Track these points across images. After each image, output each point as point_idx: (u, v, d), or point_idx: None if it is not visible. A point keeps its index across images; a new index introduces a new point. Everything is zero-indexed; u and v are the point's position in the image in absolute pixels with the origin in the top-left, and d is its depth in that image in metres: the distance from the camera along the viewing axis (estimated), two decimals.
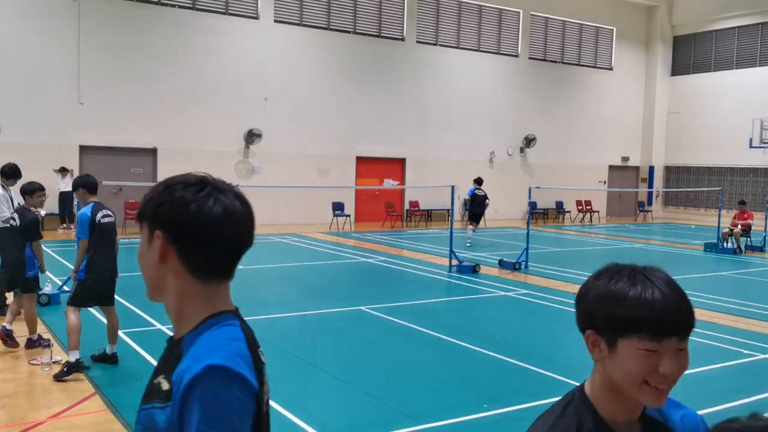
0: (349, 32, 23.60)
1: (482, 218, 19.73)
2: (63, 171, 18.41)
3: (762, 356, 7.78)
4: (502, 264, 14.06)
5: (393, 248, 17.32)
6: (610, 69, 30.09)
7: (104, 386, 6.15)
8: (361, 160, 23.99)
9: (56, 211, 18.32)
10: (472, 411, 5.82)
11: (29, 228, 7.45)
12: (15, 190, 9.23)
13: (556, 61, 28.50)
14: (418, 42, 24.94)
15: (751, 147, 26.93)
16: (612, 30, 29.94)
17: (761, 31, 27.78)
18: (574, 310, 1.51)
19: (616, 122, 30.12)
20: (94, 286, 6.76)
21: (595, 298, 1.41)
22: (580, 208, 28.19)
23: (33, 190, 7.83)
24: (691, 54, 30.38)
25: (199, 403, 1.30)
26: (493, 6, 26.56)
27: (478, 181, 18.86)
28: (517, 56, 27.33)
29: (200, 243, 1.42)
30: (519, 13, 27.23)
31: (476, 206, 18.55)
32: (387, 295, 10.91)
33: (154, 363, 6.51)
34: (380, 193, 24.48)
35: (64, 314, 6.70)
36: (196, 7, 20.83)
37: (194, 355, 1.36)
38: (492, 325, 9.30)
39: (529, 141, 27.40)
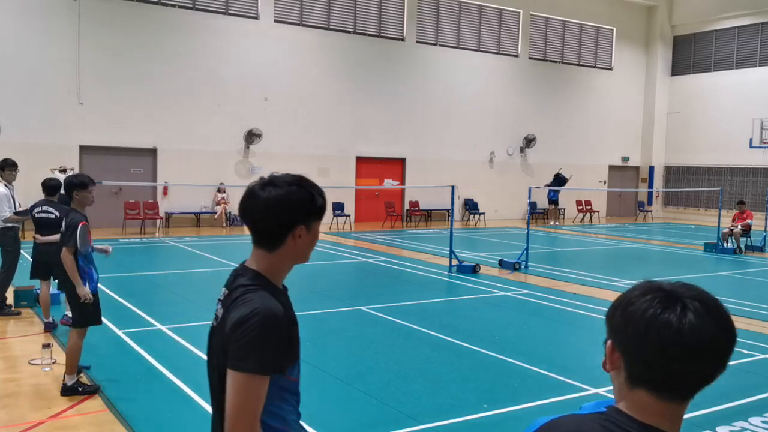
0: (349, 32, 23.60)
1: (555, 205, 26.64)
2: (63, 171, 18.39)
3: (762, 356, 7.78)
4: (502, 264, 14.06)
5: (393, 248, 17.31)
6: (610, 69, 30.09)
7: (104, 386, 6.14)
8: (361, 160, 23.99)
9: None
10: (472, 411, 5.82)
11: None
12: (17, 189, 9.24)
13: (556, 61, 28.50)
14: (418, 42, 24.94)
15: (751, 147, 26.93)
16: (612, 30, 29.94)
17: (761, 31, 27.78)
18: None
19: (616, 122, 30.12)
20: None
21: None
22: (580, 208, 28.19)
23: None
24: (691, 54, 30.37)
25: None
26: (493, 6, 26.56)
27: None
28: (517, 56, 27.33)
29: None
30: (519, 13, 27.23)
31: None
32: (387, 295, 10.91)
33: (155, 363, 6.52)
34: (380, 193, 24.48)
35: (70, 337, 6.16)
36: (196, 7, 20.83)
37: None
38: (492, 325, 9.30)
39: (529, 141, 27.40)
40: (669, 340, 1.25)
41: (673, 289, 1.32)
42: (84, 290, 5.94)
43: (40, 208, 8.35)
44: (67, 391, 5.96)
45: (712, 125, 28.87)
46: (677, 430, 1.33)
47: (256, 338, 1.93)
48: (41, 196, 8.28)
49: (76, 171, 18.77)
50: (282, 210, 2.04)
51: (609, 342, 1.36)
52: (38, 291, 9.38)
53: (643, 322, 1.28)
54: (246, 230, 15.54)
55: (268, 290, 2.06)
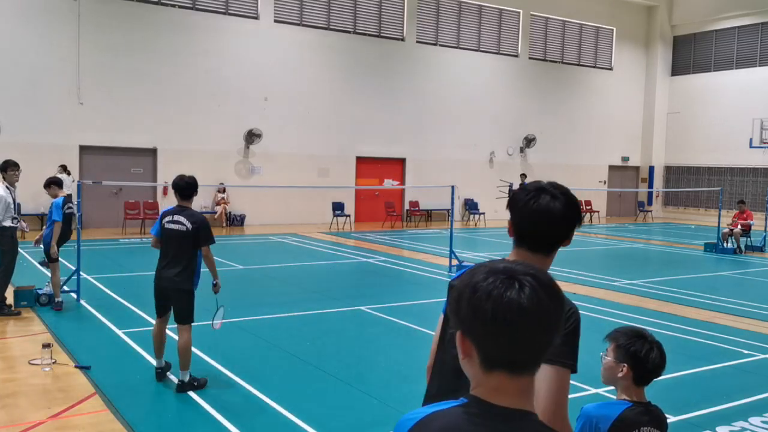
0: (349, 32, 23.59)
1: None
2: (64, 169, 18.37)
3: (762, 356, 7.77)
4: None
5: (393, 248, 17.31)
6: (610, 69, 30.09)
7: (104, 386, 6.14)
8: (361, 160, 23.99)
9: None
10: None
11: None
12: (17, 191, 9.23)
13: (556, 61, 28.49)
14: (418, 42, 24.93)
15: (751, 147, 26.93)
16: (612, 30, 29.93)
17: (761, 31, 27.78)
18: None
19: (616, 122, 30.12)
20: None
21: None
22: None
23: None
24: (691, 54, 30.38)
25: None
26: (493, 6, 26.56)
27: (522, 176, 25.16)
28: (517, 56, 27.33)
29: None
30: (519, 13, 27.23)
31: None
32: (387, 295, 10.90)
33: (155, 363, 6.47)
34: (380, 193, 24.47)
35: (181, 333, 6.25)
36: (196, 7, 20.83)
37: None
38: None
39: (529, 141, 27.40)
40: (515, 316, 1.32)
41: (509, 268, 1.38)
42: (218, 281, 6.42)
43: (68, 205, 9.22)
44: (183, 387, 6.04)
45: (712, 125, 28.87)
46: (531, 404, 1.41)
47: (571, 335, 2.00)
48: (40, 195, 8.31)
49: (76, 172, 18.77)
50: (574, 219, 2.21)
51: (458, 333, 1.41)
52: (38, 291, 9.40)
53: (490, 304, 1.33)
54: (245, 230, 15.56)
55: None
